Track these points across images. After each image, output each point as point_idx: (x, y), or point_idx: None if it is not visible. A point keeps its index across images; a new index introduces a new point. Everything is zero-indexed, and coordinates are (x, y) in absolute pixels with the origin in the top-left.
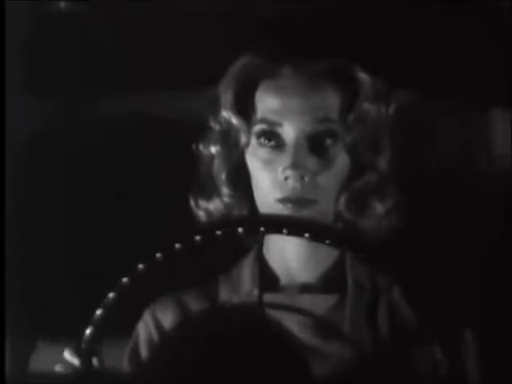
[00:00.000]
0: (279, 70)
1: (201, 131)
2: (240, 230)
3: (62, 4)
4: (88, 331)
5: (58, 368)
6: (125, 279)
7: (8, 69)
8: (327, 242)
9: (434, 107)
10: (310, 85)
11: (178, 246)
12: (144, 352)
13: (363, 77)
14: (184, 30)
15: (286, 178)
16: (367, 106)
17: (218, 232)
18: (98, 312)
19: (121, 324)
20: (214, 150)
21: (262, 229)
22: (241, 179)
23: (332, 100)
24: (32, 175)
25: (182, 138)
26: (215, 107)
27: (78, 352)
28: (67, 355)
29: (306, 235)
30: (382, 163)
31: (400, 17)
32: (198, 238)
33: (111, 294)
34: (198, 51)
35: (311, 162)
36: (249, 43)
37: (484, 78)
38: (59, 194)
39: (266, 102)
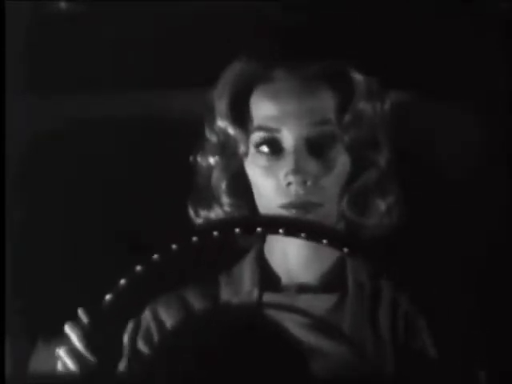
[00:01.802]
0: (273, 73)
1: (198, 139)
2: (237, 230)
3: (62, 4)
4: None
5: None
6: (124, 279)
7: (8, 69)
8: (325, 242)
9: (433, 107)
10: (305, 87)
11: (176, 246)
12: (142, 347)
13: (357, 76)
14: (185, 29)
15: (289, 184)
16: (362, 105)
17: (216, 232)
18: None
19: (120, 324)
20: (212, 160)
21: (258, 229)
22: (241, 188)
23: (327, 101)
24: (32, 175)
25: (182, 139)
26: (210, 117)
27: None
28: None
29: (304, 235)
30: (382, 161)
31: (397, 17)
32: (195, 238)
33: (110, 294)
34: (198, 51)
35: (312, 166)
36: (243, 45)
37: (483, 78)
38: (59, 194)
39: (262, 108)
